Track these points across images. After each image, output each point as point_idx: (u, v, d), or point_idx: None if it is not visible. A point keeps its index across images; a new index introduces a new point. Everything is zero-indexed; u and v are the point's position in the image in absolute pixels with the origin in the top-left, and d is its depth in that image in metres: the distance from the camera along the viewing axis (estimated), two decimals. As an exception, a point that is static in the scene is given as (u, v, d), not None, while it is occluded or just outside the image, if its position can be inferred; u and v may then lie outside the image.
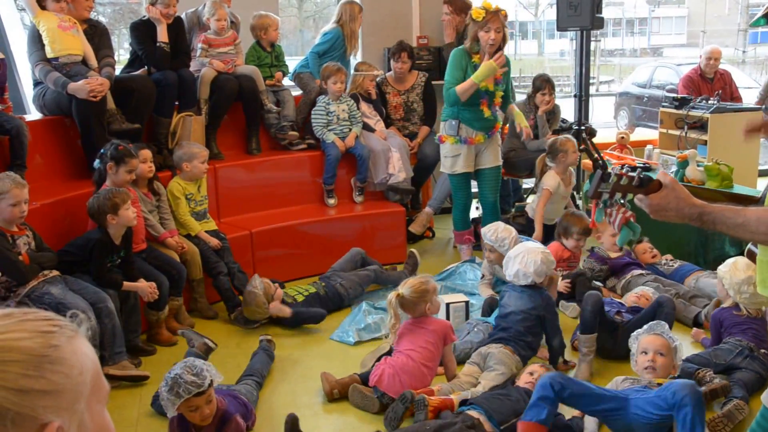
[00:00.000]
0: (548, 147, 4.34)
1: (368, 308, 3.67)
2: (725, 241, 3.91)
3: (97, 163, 3.40)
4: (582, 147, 4.83)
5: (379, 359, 2.93)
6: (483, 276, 3.94)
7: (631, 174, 1.54)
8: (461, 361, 3.02)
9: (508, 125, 5.21)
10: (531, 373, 2.75)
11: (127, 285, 3.18)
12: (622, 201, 1.57)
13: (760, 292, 1.67)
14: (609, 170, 1.57)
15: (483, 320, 3.35)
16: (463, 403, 2.62)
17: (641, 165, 4.87)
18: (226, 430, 2.34)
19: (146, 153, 3.59)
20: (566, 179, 4.35)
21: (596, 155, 1.27)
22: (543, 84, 4.96)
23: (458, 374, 2.89)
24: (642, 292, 3.49)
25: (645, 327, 2.73)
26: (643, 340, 2.67)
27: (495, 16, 3.91)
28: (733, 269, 2.97)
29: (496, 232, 3.68)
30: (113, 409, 2.79)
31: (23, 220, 2.95)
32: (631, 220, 1.58)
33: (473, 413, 2.50)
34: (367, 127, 4.77)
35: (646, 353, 2.62)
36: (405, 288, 2.87)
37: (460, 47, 4.16)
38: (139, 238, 3.45)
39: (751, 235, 1.46)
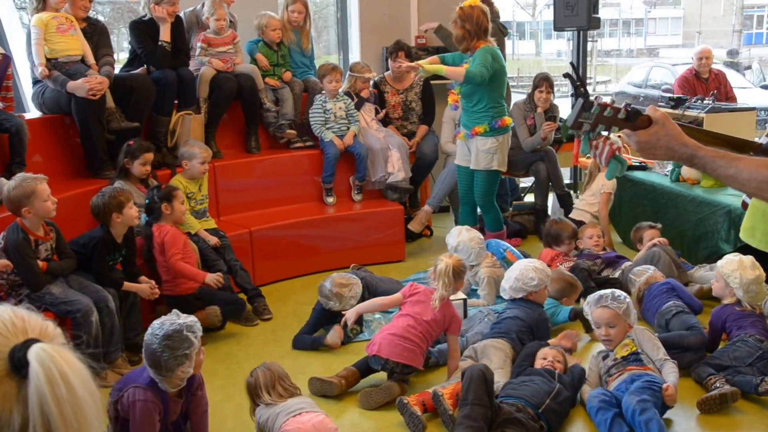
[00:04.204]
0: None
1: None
2: (719, 238, 3.96)
3: (143, 219, 3.47)
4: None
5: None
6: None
7: (617, 106, 1.43)
8: None
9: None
10: (544, 358, 2.81)
11: (127, 285, 3.20)
12: (606, 133, 1.46)
13: (742, 238, 1.63)
14: (591, 99, 1.45)
15: (494, 310, 3.40)
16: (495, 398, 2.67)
17: (638, 163, 4.91)
18: (195, 387, 2.35)
19: (148, 156, 3.63)
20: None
21: (579, 83, 1.22)
22: (541, 82, 4.99)
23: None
24: (652, 275, 3.52)
25: (593, 297, 2.79)
26: (593, 314, 2.77)
27: (459, 11, 4.00)
28: (741, 268, 2.99)
29: (459, 241, 3.71)
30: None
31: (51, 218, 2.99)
32: (617, 153, 1.50)
33: (511, 402, 2.53)
34: (359, 103, 4.79)
35: (599, 327, 2.74)
36: (451, 260, 2.90)
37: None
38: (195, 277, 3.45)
39: (740, 186, 1.41)
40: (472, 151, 4.22)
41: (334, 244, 4.40)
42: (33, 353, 0.78)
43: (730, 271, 3.02)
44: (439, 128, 5.19)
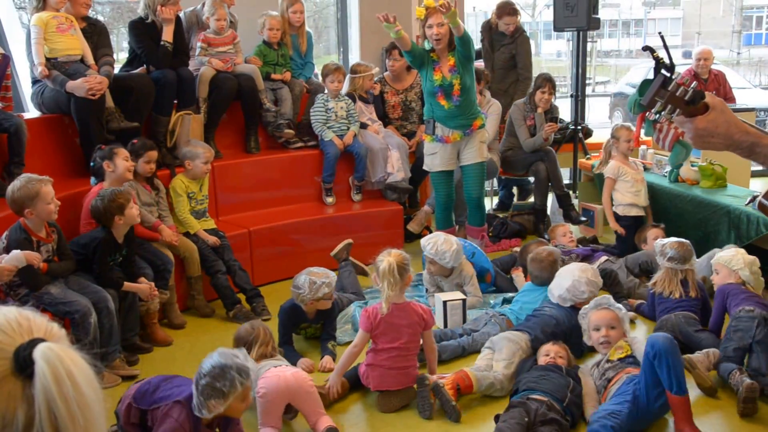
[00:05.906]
0: (611, 132, 4.43)
1: (358, 309, 3.66)
2: (720, 239, 3.96)
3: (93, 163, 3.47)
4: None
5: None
6: (427, 290, 3.79)
7: (686, 87, 1.33)
8: (477, 352, 3.07)
9: (506, 124, 5.25)
10: (546, 354, 2.81)
11: (127, 285, 3.20)
12: (672, 116, 1.34)
13: None
14: (672, 77, 1.33)
15: (500, 312, 3.40)
16: (515, 392, 2.67)
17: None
18: (232, 426, 2.27)
19: (152, 154, 3.62)
20: (632, 164, 4.35)
21: (662, 58, 1.05)
22: (543, 83, 4.98)
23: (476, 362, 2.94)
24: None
25: (591, 303, 2.81)
26: (592, 316, 2.77)
27: (434, 11, 3.97)
28: (739, 253, 3.11)
29: (435, 245, 3.59)
30: (112, 408, 2.81)
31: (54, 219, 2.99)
32: (681, 137, 1.44)
33: (538, 397, 2.54)
34: (362, 125, 4.80)
35: (598, 329, 2.73)
36: (392, 257, 2.75)
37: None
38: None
39: None
40: (467, 147, 4.24)
41: (333, 244, 4.38)
42: (39, 352, 0.78)
43: (731, 257, 3.11)
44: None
